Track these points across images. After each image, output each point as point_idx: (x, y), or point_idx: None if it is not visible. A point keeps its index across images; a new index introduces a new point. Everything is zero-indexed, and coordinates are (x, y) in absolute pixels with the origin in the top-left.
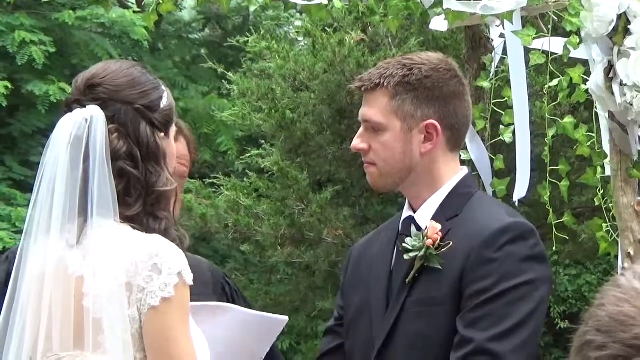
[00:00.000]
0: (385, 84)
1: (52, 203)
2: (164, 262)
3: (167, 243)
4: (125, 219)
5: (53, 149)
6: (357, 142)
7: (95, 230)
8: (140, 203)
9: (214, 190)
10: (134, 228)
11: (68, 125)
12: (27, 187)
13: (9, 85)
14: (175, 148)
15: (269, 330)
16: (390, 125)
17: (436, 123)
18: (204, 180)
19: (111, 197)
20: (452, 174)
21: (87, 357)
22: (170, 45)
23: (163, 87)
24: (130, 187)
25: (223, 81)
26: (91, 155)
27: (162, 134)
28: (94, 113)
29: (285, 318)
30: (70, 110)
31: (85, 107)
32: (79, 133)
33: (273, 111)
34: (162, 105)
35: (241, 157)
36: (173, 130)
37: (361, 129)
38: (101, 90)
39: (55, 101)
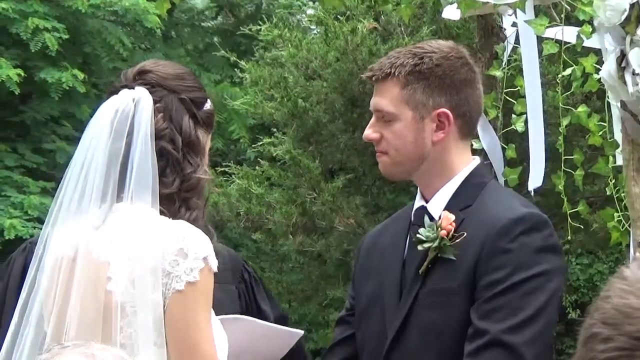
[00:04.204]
0: (397, 74)
1: (89, 178)
2: (190, 246)
3: (193, 228)
4: (160, 197)
5: (95, 125)
6: (369, 132)
7: (121, 214)
8: (177, 185)
9: (225, 178)
10: (162, 213)
11: (114, 104)
12: (39, 174)
13: (22, 73)
14: None
15: (284, 342)
16: (402, 114)
17: (448, 111)
18: (216, 168)
19: (151, 173)
20: (464, 163)
21: (92, 346)
22: (183, 33)
23: (207, 94)
24: (168, 168)
25: (235, 69)
26: (135, 130)
27: (203, 130)
28: (142, 94)
29: (301, 332)
30: (117, 93)
31: (133, 89)
32: (126, 110)
33: (285, 99)
34: (205, 107)
35: (253, 146)
36: (210, 137)
37: (373, 119)
38: (150, 77)
39: (67, 88)
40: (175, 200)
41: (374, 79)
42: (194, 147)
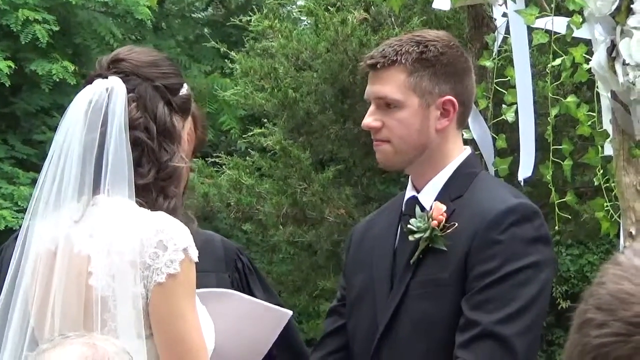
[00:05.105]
0: (403, 61)
1: (65, 171)
2: (170, 238)
3: (172, 220)
4: (136, 188)
5: (69, 117)
6: (369, 120)
7: (100, 207)
8: (153, 174)
9: (216, 169)
10: (141, 205)
11: (87, 94)
12: (29, 165)
13: (12, 65)
14: None
15: (272, 323)
16: (408, 101)
17: (453, 99)
18: (206, 159)
19: (126, 164)
20: (457, 153)
21: (94, 336)
22: (174, 25)
23: (184, 79)
24: (143, 157)
25: (226, 60)
26: (109, 121)
27: (179, 117)
28: (115, 83)
29: (290, 312)
30: (91, 83)
31: (107, 78)
32: (99, 100)
33: (275, 90)
34: (181, 92)
35: (243, 136)
36: (188, 122)
37: (372, 107)
38: (124, 65)
39: (58, 80)
40: (152, 190)
41: (378, 66)
42: (169, 134)
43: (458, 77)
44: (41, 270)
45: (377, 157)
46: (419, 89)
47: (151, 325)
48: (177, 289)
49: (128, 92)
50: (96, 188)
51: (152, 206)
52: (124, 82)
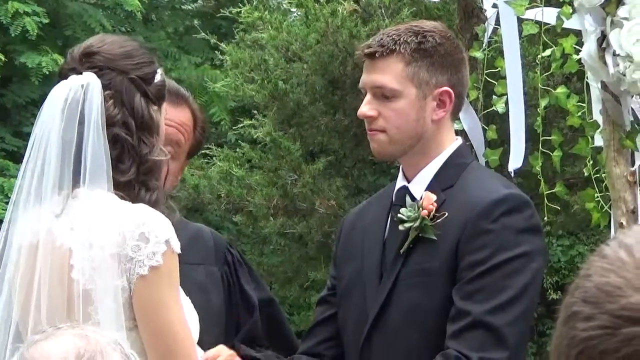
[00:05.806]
0: (402, 50)
1: (44, 168)
2: (151, 230)
3: (153, 212)
4: (117, 185)
5: (46, 114)
6: (366, 109)
7: (81, 201)
8: (134, 170)
9: (206, 161)
10: (122, 198)
11: (63, 91)
12: (19, 158)
13: (2, 57)
14: (177, 116)
15: None
16: (406, 91)
17: (450, 90)
18: None
19: (105, 162)
20: (449, 143)
21: (85, 327)
22: (163, 16)
23: (157, 64)
24: (123, 154)
25: (216, 52)
26: (86, 119)
27: (156, 107)
28: (91, 79)
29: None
30: (66, 78)
31: (81, 74)
32: (75, 98)
33: (266, 82)
34: (156, 80)
35: (234, 128)
36: (164, 108)
37: (368, 96)
38: (97, 59)
39: (48, 72)
40: (134, 185)
41: (377, 55)
42: (148, 127)
43: (454, 68)
44: (23, 264)
45: (371, 147)
46: (417, 79)
47: (135, 317)
48: (160, 281)
49: (104, 88)
50: (76, 183)
51: (134, 199)
52: (98, 77)
